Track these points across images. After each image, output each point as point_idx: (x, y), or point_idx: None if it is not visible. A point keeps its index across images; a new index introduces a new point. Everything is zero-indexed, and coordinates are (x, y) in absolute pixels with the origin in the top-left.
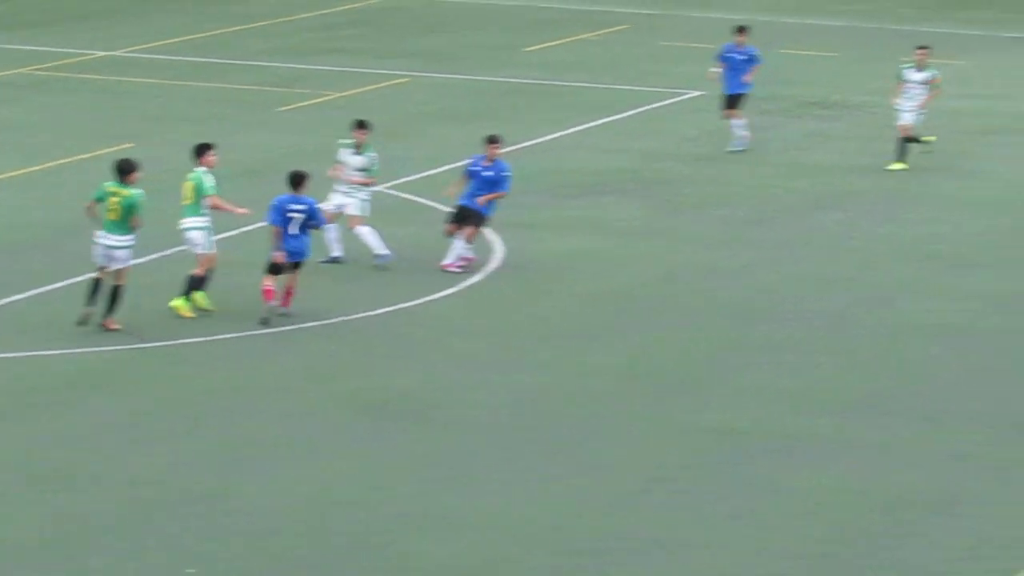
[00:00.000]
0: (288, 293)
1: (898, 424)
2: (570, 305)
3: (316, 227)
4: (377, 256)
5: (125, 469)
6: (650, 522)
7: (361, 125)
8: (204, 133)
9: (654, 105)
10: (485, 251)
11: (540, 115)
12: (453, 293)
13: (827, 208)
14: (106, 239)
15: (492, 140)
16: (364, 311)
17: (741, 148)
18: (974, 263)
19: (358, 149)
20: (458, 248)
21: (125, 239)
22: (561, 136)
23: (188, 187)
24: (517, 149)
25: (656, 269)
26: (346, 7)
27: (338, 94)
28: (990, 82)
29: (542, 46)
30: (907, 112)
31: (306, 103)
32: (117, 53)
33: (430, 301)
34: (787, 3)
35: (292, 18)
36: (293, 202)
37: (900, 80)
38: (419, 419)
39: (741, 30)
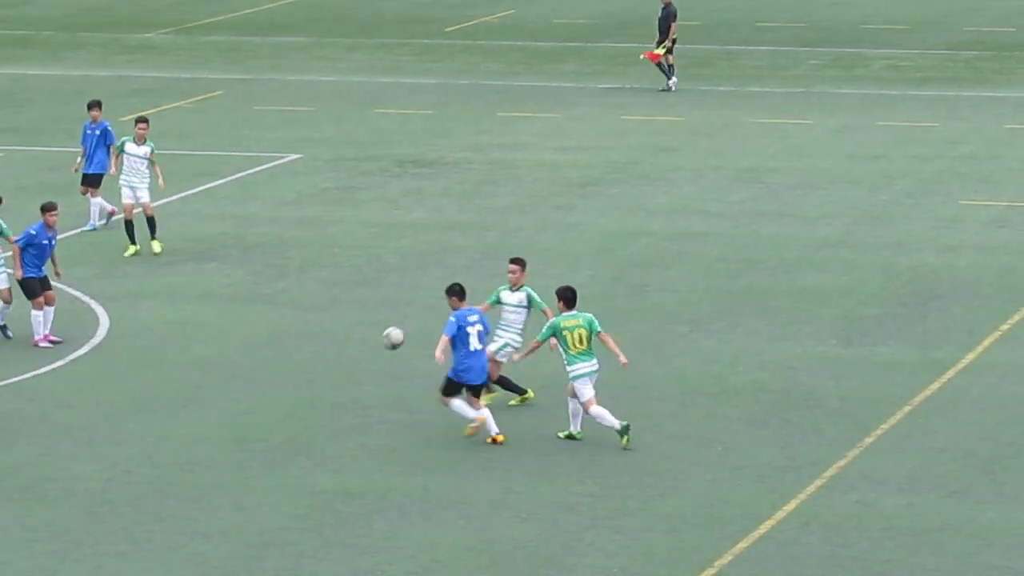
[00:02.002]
0: None
1: (511, 478)
2: (177, 373)
3: None
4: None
5: None
6: None
7: None
8: None
9: (253, 170)
10: (91, 322)
11: None
12: (59, 367)
13: (429, 266)
14: None
15: (48, 208)
16: None
17: (93, 228)
18: None
19: None
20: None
21: None
22: (162, 204)
23: None
24: (119, 218)
25: (262, 333)
26: None
27: None
28: (585, 133)
29: (138, 115)
30: (136, 189)
31: None
32: None
33: (36, 376)
34: (380, 64)
35: None
36: None
37: (120, 153)
38: (31, 493)
39: (94, 105)
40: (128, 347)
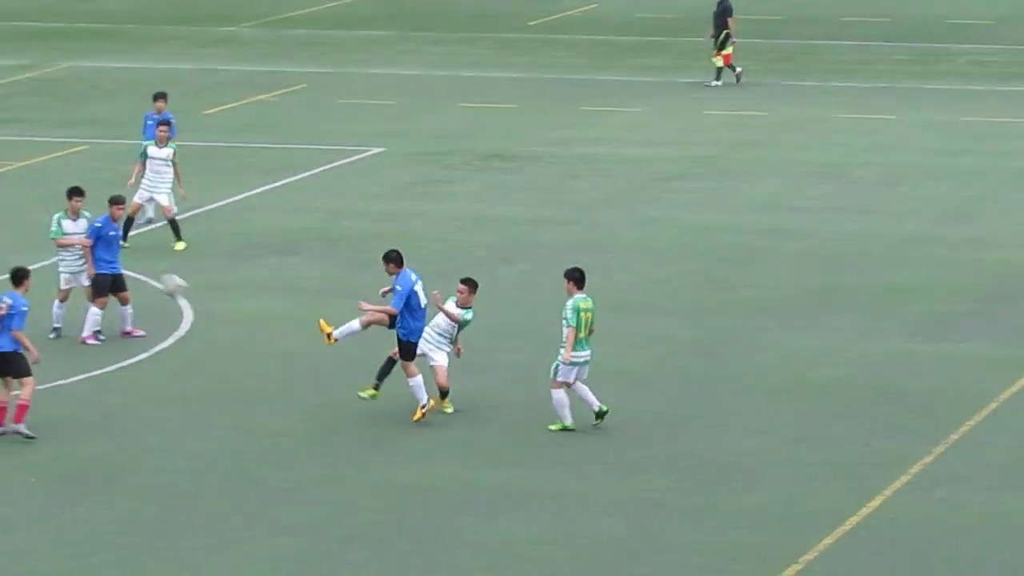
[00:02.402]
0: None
1: (594, 472)
2: (260, 366)
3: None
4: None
5: None
6: None
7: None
8: None
9: (336, 163)
10: (175, 315)
11: (223, 177)
12: (143, 359)
13: (512, 260)
14: None
15: (116, 201)
16: (56, 380)
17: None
18: (659, 309)
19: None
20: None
21: None
22: (245, 197)
23: None
24: (202, 212)
25: None
26: (20, 77)
27: (17, 163)
28: (668, 128)
29: (221, 108)
30: (162, 193)
31: None
32: None
33: (121, 368)
34: (463, 58)
35: None
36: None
37: (144, 158)
38: (115, 486)
39: (159, 97)
40: (212, 340)
